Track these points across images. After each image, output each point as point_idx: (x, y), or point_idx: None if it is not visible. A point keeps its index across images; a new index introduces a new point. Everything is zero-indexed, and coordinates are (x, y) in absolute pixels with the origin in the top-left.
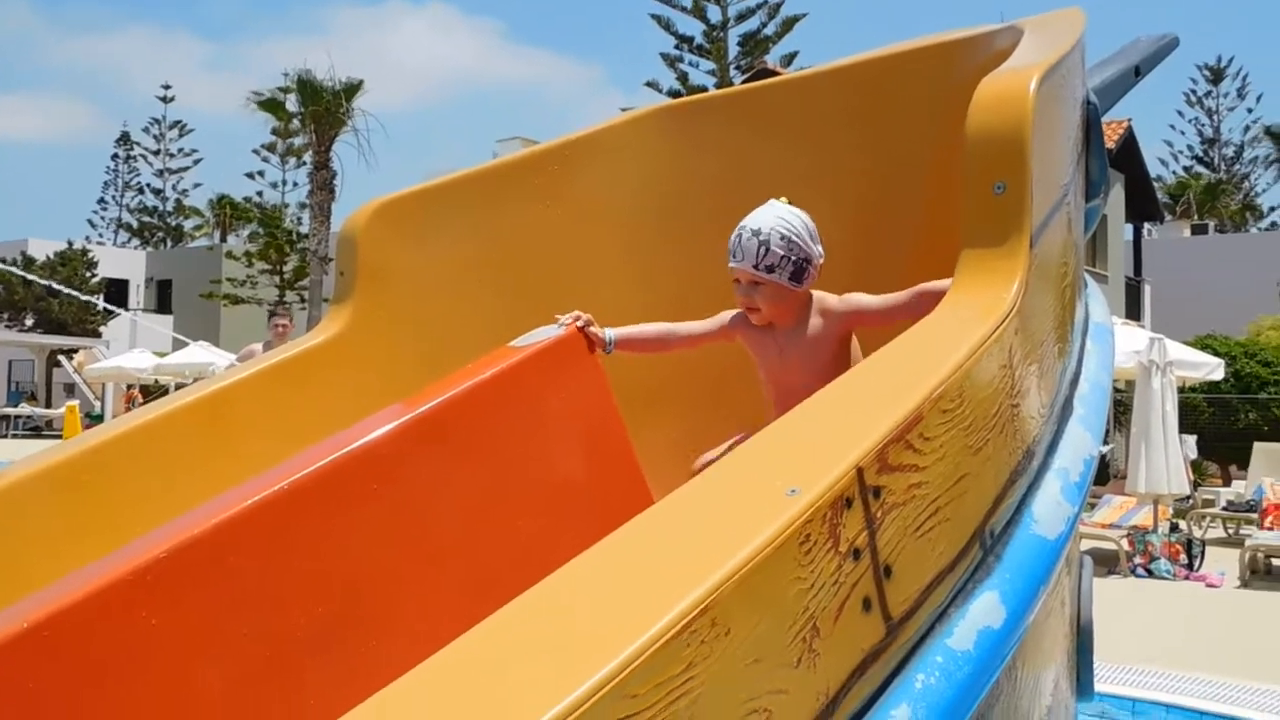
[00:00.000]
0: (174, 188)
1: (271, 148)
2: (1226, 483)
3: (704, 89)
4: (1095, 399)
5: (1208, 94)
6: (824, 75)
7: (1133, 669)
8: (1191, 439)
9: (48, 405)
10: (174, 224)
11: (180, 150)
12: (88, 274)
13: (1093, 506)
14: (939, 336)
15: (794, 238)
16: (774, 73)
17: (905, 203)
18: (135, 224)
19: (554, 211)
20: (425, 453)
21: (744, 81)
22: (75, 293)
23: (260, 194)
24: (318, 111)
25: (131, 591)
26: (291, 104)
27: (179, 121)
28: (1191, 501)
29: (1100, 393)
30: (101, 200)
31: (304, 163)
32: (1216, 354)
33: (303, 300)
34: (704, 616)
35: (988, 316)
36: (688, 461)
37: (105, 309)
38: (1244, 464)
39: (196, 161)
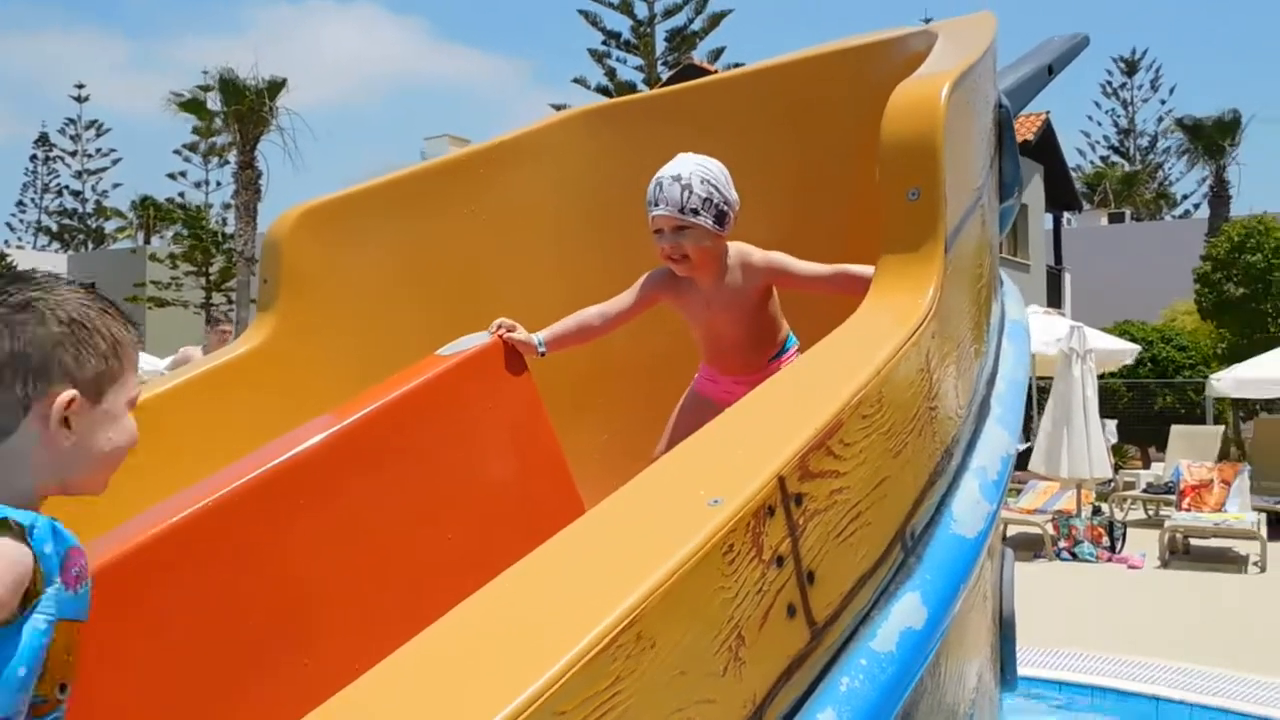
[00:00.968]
0: (93, 189)
1: (194, 147)
2: (1146, 465)
3: (632, 85)
4: (1012, 397)
5: (1123, 85)
6: (749, 76)
7: (1058, 652)
8: (1112, 423)
9: None
10: (95, 226)
11: (98, 150)
12: None
13: (1018, 492)
14: (857, 342)
15: (714, 182)
16: (701, 69)
17: (829, 199)
18: (55, 227)
19: (482, 215)
20: (353, 464)
21: (670, 77)
22: None
23: (183, 195)
24: (240, 111)
25: None
26: (213, 103)
27: (95, 121)
28: (1113, 484)
29: (1017, 390)
30: (20, 203)
31: (228, 162)
32: (1134, 340)
33: (230, 301)
34: (629, 630)
35: (905, 321)
36: (617, 465)
37: None
38: (1163, 446)
39: (115, 162)
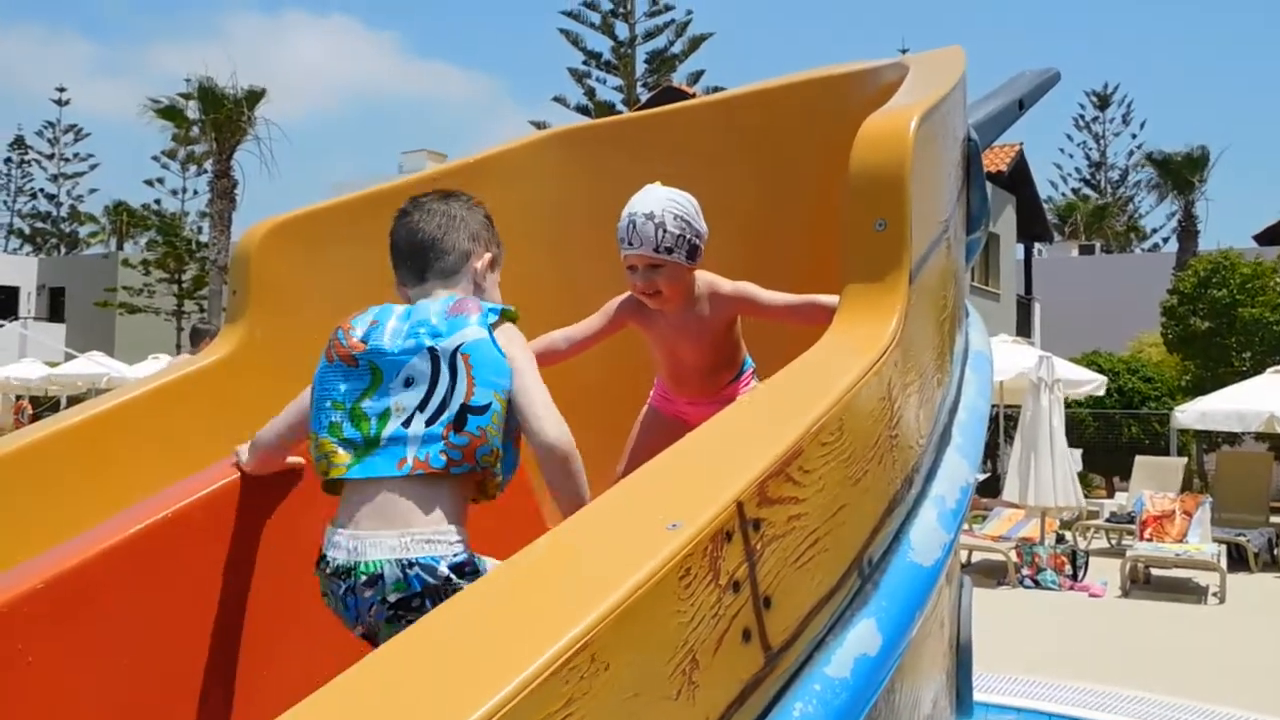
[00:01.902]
0: (69, 193)
1: (171, 154)
2: (1111, 495)
3: (611, 105)
4: (973, 427)
5: (1095, 119)
6: (719, 104)
7: (1019, 679)
8: (1076, 453)
9: None
10: (68, 230)
11: (76, 155)
12: None
13: (983, 519)
14: (819, 369)
15: (686, 217)
16: (680, 91)
17: (794, 226)
18: (27, 230)
19: None
20: (312, 479)
21: (649, 99)
22: None
23: (159, 202)
24: (219, 119)
25: (9, 624)
26: (192, 111)
27: (74, 125)
28: (1077, 513)
29: (978, 420)
30: None
31: (204, 170)
32: (1101, 370)
33: (201, 309)
34: (583, 653)
35: (867, 350)
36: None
37: None
38: (1127, 476)
39: (93, 167)
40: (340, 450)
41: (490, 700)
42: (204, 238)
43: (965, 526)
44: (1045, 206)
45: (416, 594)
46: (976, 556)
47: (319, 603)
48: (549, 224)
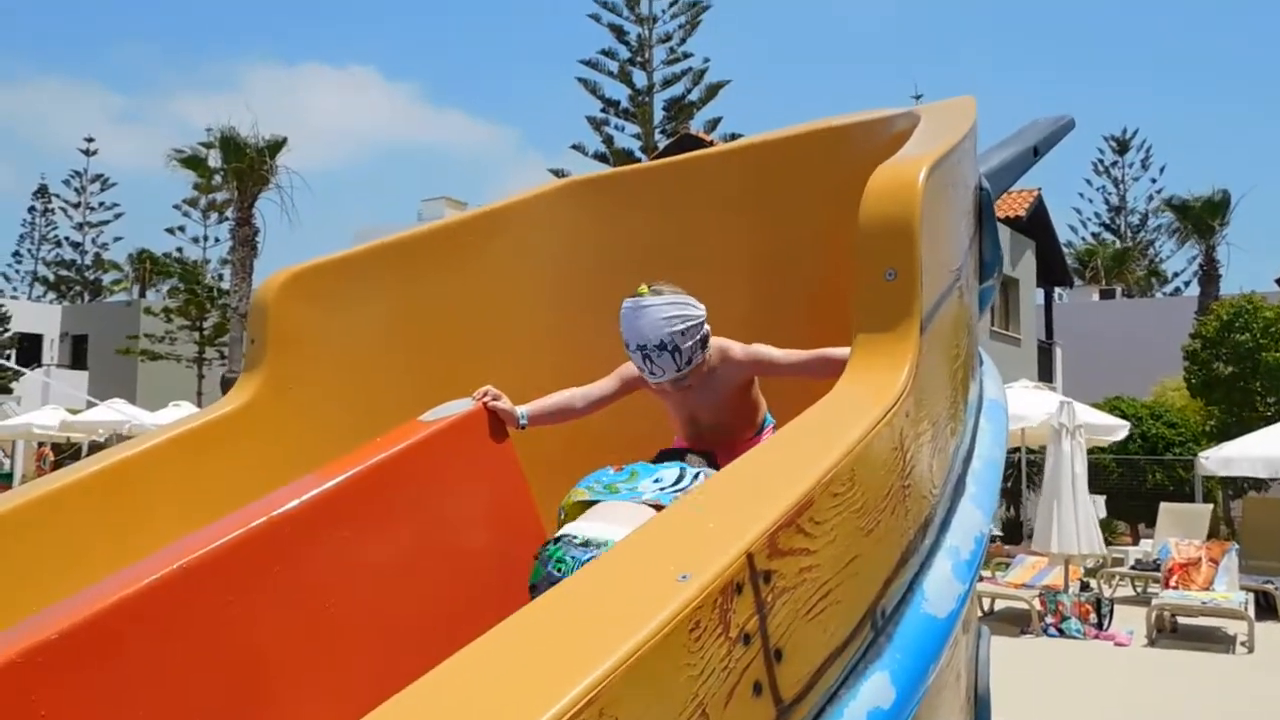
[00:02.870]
0: (94, 241)
1: (193, 203)
2: (1135, 542)
3: (629, 152)
4: (988, 476)
5: (1114, 164)
6: (732, 153)
7: None
8: (1100, 499)
9: None
10: (92, 278)
11: (101, 204)
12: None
13: (1006, 566)
14: (830, 420)
15: (688, 320)
16: (697, 139)
17: (803, 277)
18: (52, 277)
19: (470, 282)
20: (331, 528)
21: (667, 147)
22: None
23: (181, 249)
24: (240, 168)
25: (22, 674)
26: (214, 160)
27: (101, 175)
28: (1101, 561)
29: (993, 469)
30: (16, 253)
31: (226, 218)
32: (1124, 415)
33: (222, 356)
34: (592, 707)
35: (879, 400)
36: None
37: (12, 369)
38: (1152, 523)
39: (117, 215)
40: None
41: None
42: (225, 285)
43: (988, 574)
44: (1065, 251)
45: None
46: (1000, 604)
47: (336, 655)
48: (575, 271)
